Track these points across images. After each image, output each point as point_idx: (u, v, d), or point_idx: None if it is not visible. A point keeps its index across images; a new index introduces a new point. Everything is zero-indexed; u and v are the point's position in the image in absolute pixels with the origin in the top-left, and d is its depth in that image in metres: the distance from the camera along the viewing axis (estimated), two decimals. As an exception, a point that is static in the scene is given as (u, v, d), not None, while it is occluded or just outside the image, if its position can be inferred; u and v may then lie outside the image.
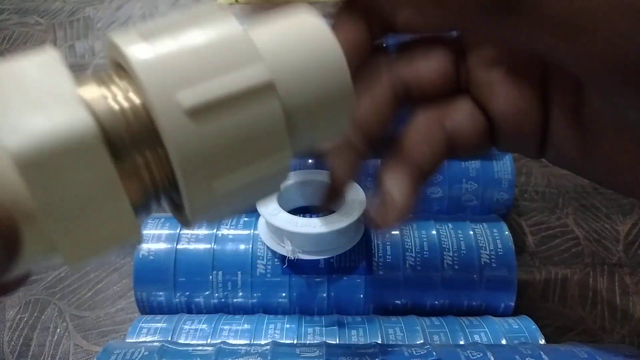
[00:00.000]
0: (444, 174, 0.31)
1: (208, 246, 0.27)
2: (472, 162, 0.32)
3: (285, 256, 0.26)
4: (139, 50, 0.11)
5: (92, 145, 0.09)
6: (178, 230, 0.28)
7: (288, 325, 0.26)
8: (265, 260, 0.27)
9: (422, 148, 0.16)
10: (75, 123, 0.09)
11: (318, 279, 0.27)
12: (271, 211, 0.26)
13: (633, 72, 0.11)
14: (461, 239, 0.28)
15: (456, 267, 0.27)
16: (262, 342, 0.25)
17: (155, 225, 0.28)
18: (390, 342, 0.25)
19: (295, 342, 0.25)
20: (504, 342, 0.25)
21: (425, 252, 0.28)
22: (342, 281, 0.27)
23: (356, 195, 0.27)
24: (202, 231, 0.28)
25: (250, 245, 0.28)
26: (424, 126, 0.17)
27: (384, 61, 0.17)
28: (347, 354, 0.22)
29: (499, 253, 0.28)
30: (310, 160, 0.31)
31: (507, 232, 0.28)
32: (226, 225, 0.28)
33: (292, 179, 0.29)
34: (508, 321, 0.26)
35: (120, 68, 0.11)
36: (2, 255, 0.09)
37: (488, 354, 0.22)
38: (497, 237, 0.28)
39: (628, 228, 0.35)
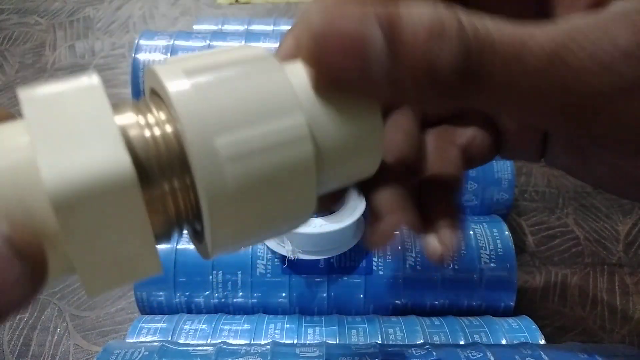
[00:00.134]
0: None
1: (208, 246, 0.27)
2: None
3: (285, 256, 0.26)
4: (180, 87, 0.10)
5: (128, 188, 0.09)
6: (178, 230, 0.28)
7: (288, 325, 0.26)
8: (265, 260, 0.27)
9: (443, 166, 0.16)
10: (114, 165, 0.09)
11: (318, 279, 0.27)
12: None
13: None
14: (461, 239, 0.28)
15: (456, 267, 0.27)
16: (262, 342, 0.25)
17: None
18: (390, 342, 0.25)
19: (295, 342, 0.25)
20: (504, 342, 0.25)
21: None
22: (342, 281, 0.27)
23: (356, 196, 0.27)
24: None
25: (250, 245, 0.28)
26: (439, 147, 0.17)
27: None
28: (347, 354, 0.22)
29: (499, 253, 0.28)
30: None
31: (507, 232, 0.28)
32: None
33: None
34: (508, 321, 0.26)
35: (157, 96, 0.11)
36: (31, 281, 0.09)
37: (488, 354, 0.22)
38: (497, 237, 0.28)
39: (628, 228, 0.35)
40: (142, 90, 0.33)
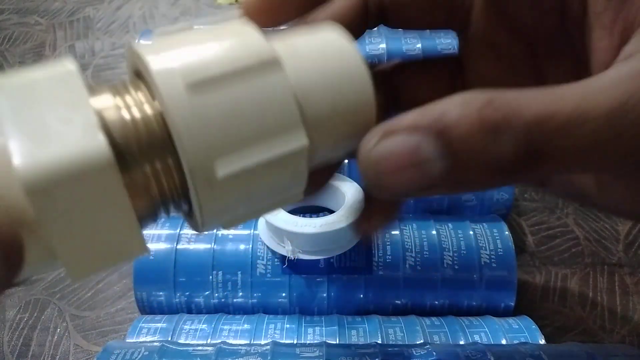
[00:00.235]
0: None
1: (208, 246, 0.27)
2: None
3: (285, 256, 0.26)
4: (164, 64, 0.10)
5: (105, 171, 0.09)
6: (178, 230, 0.28)
7: (288, 325, 0.26)
8: (265, 260, 0.27)
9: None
10: (89, 147, 0.09)
11: (318, 279, 0.27)
12: (271, 211, 0.26)
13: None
14: (461, 239, 0.28)
15: (456, 267, 0.27)
16: (262, 342, 0.25)
17: (156, 225, 0.28)
18: (390, 342, 0.25)
19: (295, 342, 0.25)
20: (504, 342, 0.25)
21: (425, 252, 0.28)
22: (342, 281, 0.27)
23: (356, 195, 0.27)
24: (202, 231, 0.28)
25: (250, 245, 0.28)
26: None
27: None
28: (347, 354, 0.22)
29: (499, 253, 0.28)
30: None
31: (507, 232, 0.28)
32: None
33: None
34: (508, 321, 0.26)
35: (139, 78, 0.11)
36: (5, 266, 0.09)
37: (488, 354, 0.22)
38: (497, 237, 0.28)
39: (628, 228, 0.35)
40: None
